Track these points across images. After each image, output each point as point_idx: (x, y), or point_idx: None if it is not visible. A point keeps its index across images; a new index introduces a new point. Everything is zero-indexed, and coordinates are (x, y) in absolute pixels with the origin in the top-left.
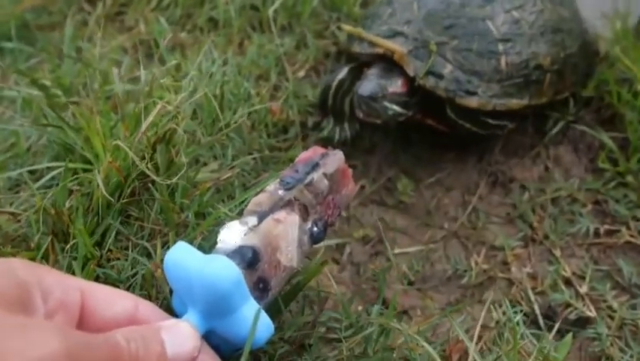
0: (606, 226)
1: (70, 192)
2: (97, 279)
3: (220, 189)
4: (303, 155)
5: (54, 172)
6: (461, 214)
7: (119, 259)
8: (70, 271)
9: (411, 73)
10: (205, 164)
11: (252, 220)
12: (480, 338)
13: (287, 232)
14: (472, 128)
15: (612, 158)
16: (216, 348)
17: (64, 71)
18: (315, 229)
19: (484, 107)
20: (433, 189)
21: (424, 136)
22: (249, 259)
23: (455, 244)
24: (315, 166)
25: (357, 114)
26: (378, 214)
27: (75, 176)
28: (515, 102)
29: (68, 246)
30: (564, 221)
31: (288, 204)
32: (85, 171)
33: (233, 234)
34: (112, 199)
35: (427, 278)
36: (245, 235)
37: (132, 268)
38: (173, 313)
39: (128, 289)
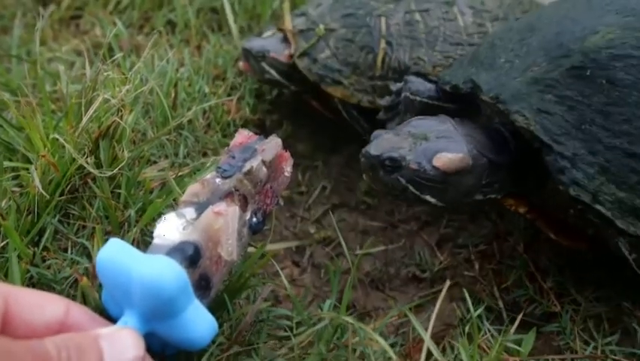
0: None
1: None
2: (30, 279)
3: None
4: (237, 139)
5: None
6: (425, 213)
7: (56, 258)
8: (3, 271)
9: (292, 51)
10: (155, 162)
11: (190, 212)
12: (442, 337)
13: (227, 225)
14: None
15: None
16: (158, 350)
17: (14, 73)
18: (255, 219)
19: (348, 99)
20: None
21: None
22: (190, 256)
23: (419, 244)
24: (254, 152)
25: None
26: (339, 215)
27: (15, 174)
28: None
29: (0, 246)
30: None
31: (228, 196)
32: (27, 170)
33: (170, 228)
34: (48, 196)
35: (391, 279)
36: (184, 228)
37: (71, 268)
38: (106, 315)
39: (63, 291)
